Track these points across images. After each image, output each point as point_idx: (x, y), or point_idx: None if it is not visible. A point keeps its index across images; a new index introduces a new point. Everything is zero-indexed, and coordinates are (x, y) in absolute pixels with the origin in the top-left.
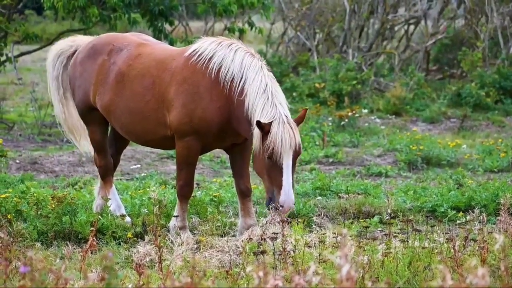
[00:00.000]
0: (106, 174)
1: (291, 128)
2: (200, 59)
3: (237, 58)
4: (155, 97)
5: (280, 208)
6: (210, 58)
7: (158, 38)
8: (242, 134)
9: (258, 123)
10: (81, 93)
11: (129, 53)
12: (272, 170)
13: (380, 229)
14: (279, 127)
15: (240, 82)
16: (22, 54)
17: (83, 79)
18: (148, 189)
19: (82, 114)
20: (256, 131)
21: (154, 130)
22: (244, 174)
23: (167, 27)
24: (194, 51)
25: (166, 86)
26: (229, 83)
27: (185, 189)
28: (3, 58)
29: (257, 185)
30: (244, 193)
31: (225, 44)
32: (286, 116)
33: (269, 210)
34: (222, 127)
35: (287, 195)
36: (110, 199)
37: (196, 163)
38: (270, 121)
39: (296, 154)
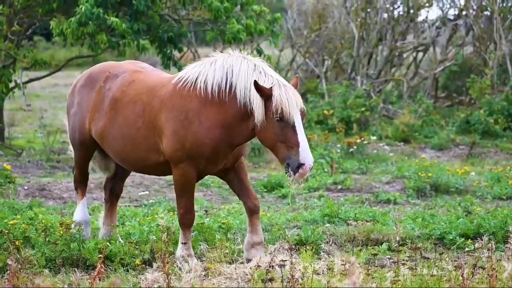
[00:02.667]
0: (80, 185)
1: (292, 89)
2: (187, 84)
3: (218, 67)
4: (145, 124)
5: (302, 167)
6: (196, 79)
7: (167, 65)
8: (239, 142)
9: (256, 85)
10: (77, 121)
11: (124, 80)
12: (285, 132)
13: (388, 256)
14: (281, 88)
15: (226, 81)
16: (31, 80)
17: (80, 107)
18: (156, 216)
19: (74, 142)
20: (257, 102)
21: (146, 156)
22: (249, 192)
23: (176, 53)
24: (180, 77)
25: (156, 113)
26: (216, 92)
27: (186, 217)
28: (12, 84)
29: (265, 212)
30: (253, 211)
31: (206, 62)
32: (284, 81)
33: (289, 174)
34: (214, 149)
35: (305, 151)
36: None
37: (194, 189)
38: (269, 86)
39: (303, 115)
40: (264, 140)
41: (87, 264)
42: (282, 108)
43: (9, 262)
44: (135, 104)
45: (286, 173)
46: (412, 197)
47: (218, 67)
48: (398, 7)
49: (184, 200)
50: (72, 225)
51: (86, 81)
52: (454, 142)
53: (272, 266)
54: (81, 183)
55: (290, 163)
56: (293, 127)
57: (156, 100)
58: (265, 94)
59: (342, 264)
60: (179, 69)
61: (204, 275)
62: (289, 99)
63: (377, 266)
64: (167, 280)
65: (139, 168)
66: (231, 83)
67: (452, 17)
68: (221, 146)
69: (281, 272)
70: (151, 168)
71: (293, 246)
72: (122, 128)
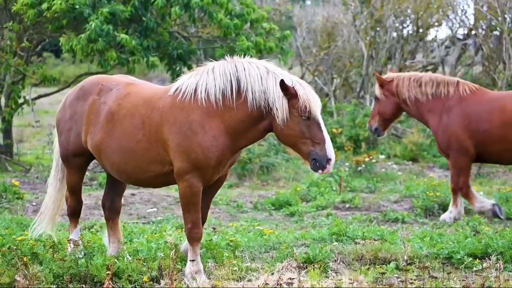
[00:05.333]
0: (73, 215)
1: (309, 86)
2: (186, 95)
3: (217, 74)
4: (145, 137)
5: (329, 162)
6: (195, 90)
7: None
8: (245, 145)
9: (283, 85)
10: (73, 135)
11: (119, 93)
12: (310, 130)
13: (396, 275)
14: (304, 86)
15: (232, 87)
16: (39, 96)
17: (74, 121)
18: (164, 233)
19: (67, 158)
20: (281, 102)
21: (147, 168)
22: (206, 210)
23: (185, 70)
24: (177, 89)
25: (156, 126)
26: (220, 100)
27: (194, 231)
28: (21, 100)
29: (273, 230)
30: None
31: (201, 72)
32: (298, 79)
33: (318, 170)
34: (219, 158)
35: (330, 147)
36: (72, 239)
37: (200, 202)
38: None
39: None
40: (287, 138)
41: (94, 280)
42: (310, 105)
43: (17, 278)
44: (132, 117)
45: (313, 167)
46: (420, 216)
47: (218, 74)
48: (407, 26)
49: (191, 214)
50: (69, 245)
51: (78, 94)
52: None
53: (280, 284)
54: (76, 212)
55: (318, 159)
56: (318, 124)
57: (155, 112)
58: (290, 93)
59: (350, 283)
60: None
61: None
62: (313, 97)
63: (385, 285)
64: None
65: (137, 180)
66: (240, 88)
67: (461, 37)
68: (226, 153)
69: None
70: (151, 179)
71: (301, 264)
72: (121, 141)
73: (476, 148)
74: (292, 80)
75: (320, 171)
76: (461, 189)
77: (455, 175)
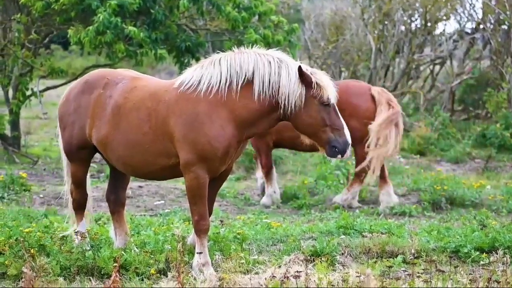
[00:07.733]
0: (79, 208)
1: (322, 72)
2: (191, 87)
3: (224, 66)
4: (152, 129)
5: (348, 146)
6: (201, 81)
7: None
8: (258, 132)
9: (300, 71)
10: (77, 128)
11: (125, 86)
12: (330, 116)
13: (403, 269)
14: (319, 74)
15: (240, 78)
16: (47, 88)
17: (78, 114)
18: (171, 225)
19: (70, 151)
20: (297, 93)
21: (154, 161)
22: (211, 207)
23: (194, 63)
24: (183, 81)
25: (163, 118)
26: (228, 90)
27: (201, 223)
28: (29, 92)
29: (280, 223)
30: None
31: (206, 64)
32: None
33: (337, 155)
34: (226, 148)
35: (348, 132)
36: (79, 231)
37: (206, 194)
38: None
39: None
40: (308, 127)
41: (102, 273)
42: (330, 91)
43: (24, 270)
44: (139, 110)
45: (331, 154)
46: (427, 210)
47: (225, 65)
48: (416, 20)
49: (198, 206)
50: (76, 236)
51: (83, 87)
52: (470, 156)
53: (287, 277)
54: (82, 205)
55: (338, 145)
56: (336, 110)
57: (161, 105)
58: (309, 81)
59: (357, 276)
60: None
61: (218, 285)
62: (330, 84)
63: (392, 279)
64: None
65: (143, 173)
66: (249, 79)
67: (469, 31)
68: (233, 143)
69: (296, 283)
70: (157, 172)
71: (308, 257)
72: (128, 134)
73: (275, 134)
74: (307, 68)
75: (339, 156)
76: (263, 168)
77: (261, 157)
